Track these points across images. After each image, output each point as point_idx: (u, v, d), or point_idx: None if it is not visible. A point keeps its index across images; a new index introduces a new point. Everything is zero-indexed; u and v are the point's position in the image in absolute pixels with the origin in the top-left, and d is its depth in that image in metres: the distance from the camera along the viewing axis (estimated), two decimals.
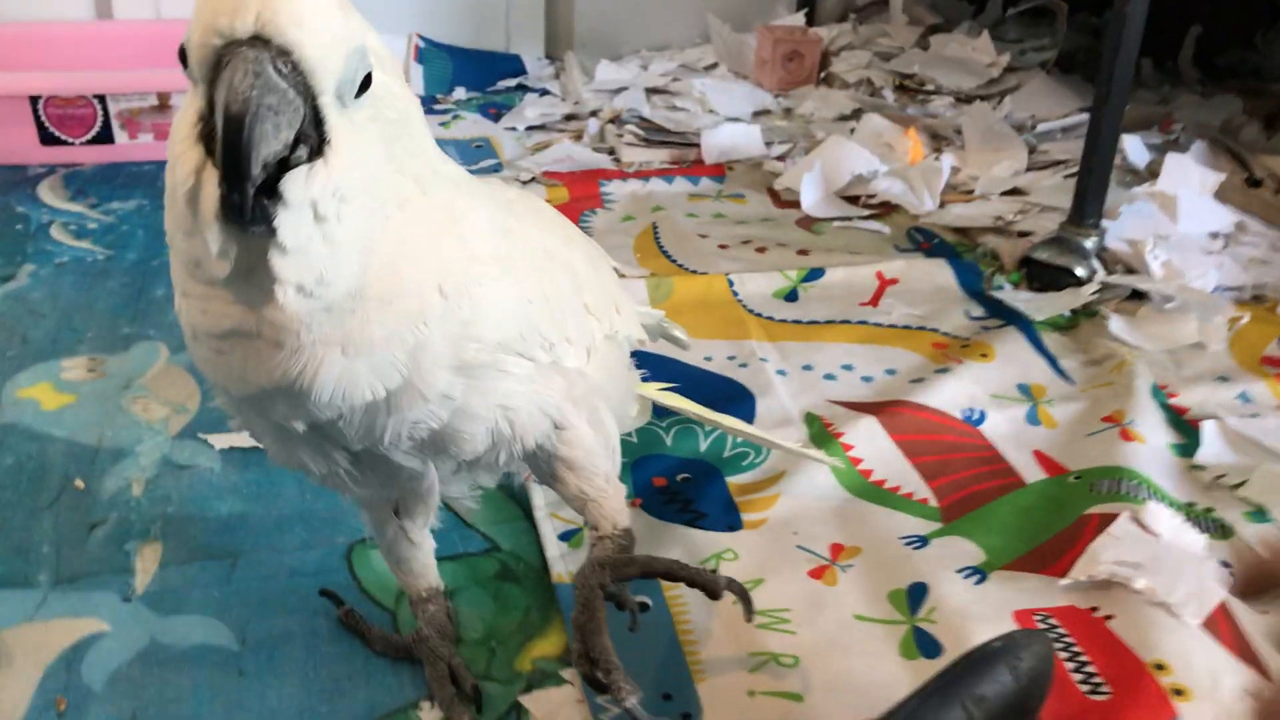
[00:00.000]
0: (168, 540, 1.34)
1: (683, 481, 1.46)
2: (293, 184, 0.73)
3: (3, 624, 1.21)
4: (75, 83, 2.38)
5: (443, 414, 0.91)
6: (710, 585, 1.05)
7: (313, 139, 0.74)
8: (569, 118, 2.80)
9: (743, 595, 1.06)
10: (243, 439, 1.49)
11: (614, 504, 1.08)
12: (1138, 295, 1.92)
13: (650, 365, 1.66)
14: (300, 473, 0.99)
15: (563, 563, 1.31)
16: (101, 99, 2.39)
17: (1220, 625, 1.21)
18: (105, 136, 2.43)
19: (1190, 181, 2.14)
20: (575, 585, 1.01)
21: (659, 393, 1.39)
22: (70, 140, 2.42)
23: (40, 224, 2.16)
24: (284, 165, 0.73)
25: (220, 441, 1.51)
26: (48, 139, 2.41)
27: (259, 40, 0.70)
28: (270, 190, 0.72)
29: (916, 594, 1.27)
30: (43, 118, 2.38)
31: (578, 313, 1.06)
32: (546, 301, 1.00)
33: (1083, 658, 1.17)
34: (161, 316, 1.83)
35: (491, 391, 0.94)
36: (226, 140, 0.69)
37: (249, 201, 0.71)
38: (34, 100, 2.36)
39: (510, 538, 1.36)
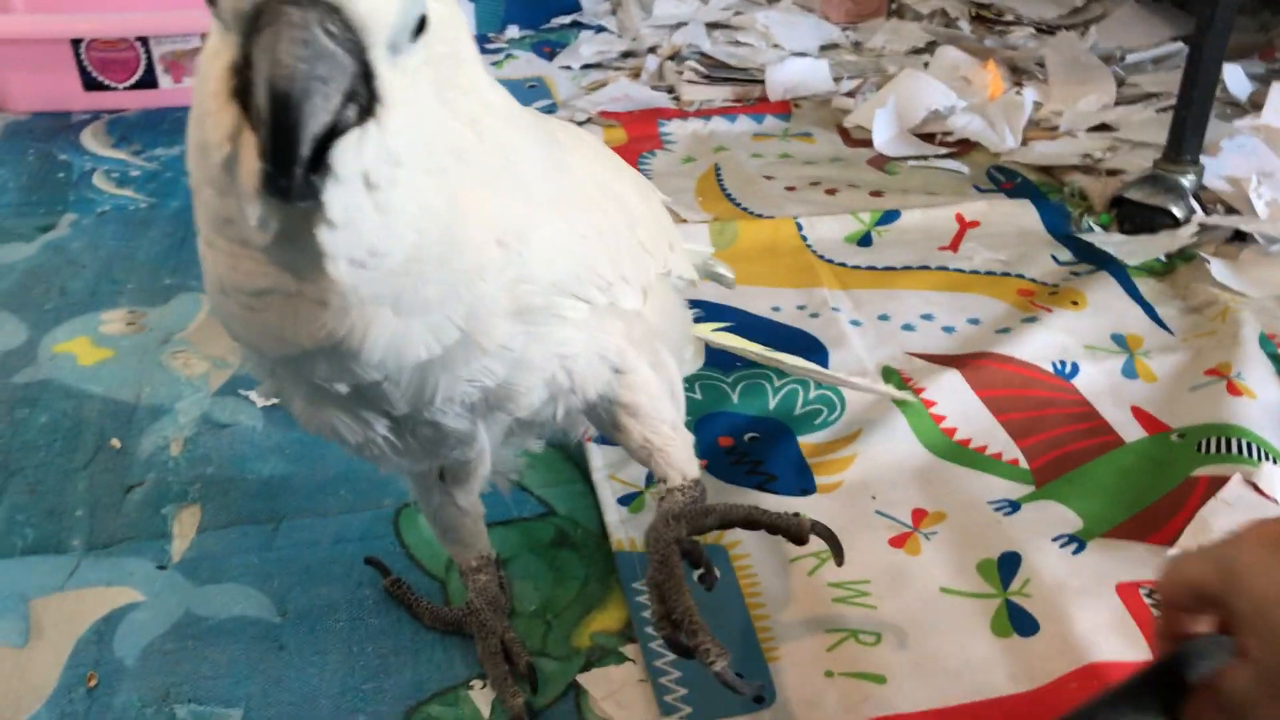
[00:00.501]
0: (206, 504, 1.28)
1: (751, 441, 1.37)
2: (343, 154, 0.63)
3: (34, 593, 1.15)
4: (117, 24, 2.30)
5: (499, 368, 0.82)
6: (795, 530, 0.95)
7: (362, 96, 0.64)
8: (626, 55, 2.68)
9: (831, 539, 0.96)
10: None
11: (682, 453, 0.98)
12: (1240, 237, 1.79)
13: (714, 315, 1.56)
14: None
15: (623, 529, 1.22)
16: (144, 41, 2.31)
17: None
18: (149, 81, 2.35)
19: None
20: (648, 541, 0.91)
21: (713, 333, 1.29)
22: (113, 85, 2.35)
23: (83, 172, 2.10)
24: (330, 129, 0.63)
25: (262, 399, 1.44)
26: (91, 84, 2.34)
27: None
28: (316, 158, 0.62)
29: (1008, 565, 1.17)
30: (85, 62, 2.31)
31: (633, 250, 0.97)
32: (601, 238, 0.90)
33: None
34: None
35: (548, 339, 0.85)
36: (273, 121, 0.60)
37: (297, 183, 0.61)
38: (75, 44, 2.28)
39: (566, 501, 1.28)
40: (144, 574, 1.18)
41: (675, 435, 0.98)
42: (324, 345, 0.72)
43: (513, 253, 0.78)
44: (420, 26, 0.66)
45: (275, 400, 1.40)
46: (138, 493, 1.29)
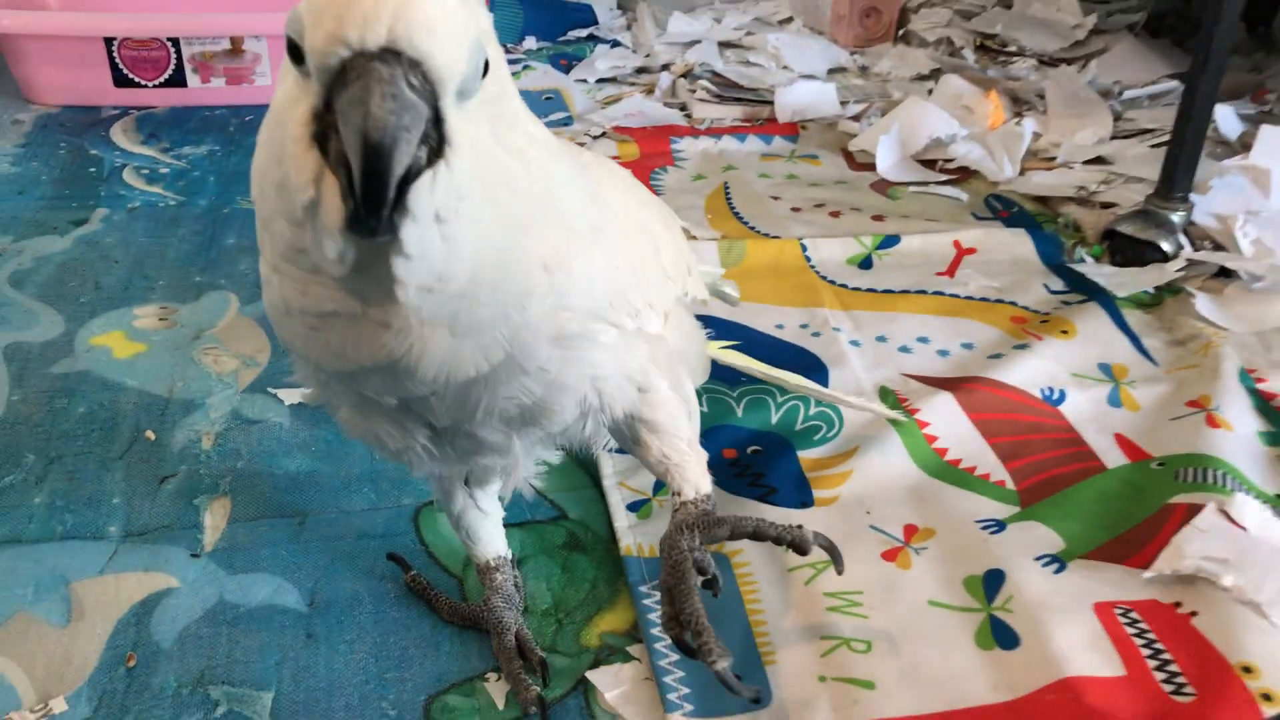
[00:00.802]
0: (237, 496, 1.35)
1: (753, 454, 1.44)
2: (419, 194, 0.69)
3: (74, 576, 1.22)
4: (149, 24, 2.37)
5: (537, 388, 0.89)
6: (799, 542, 1.01)
7: (433, 138, 0.70)
8: (640, 71, 2.76)
9: (832, 550, 1.03)
10: None
11: (696, 468, 1.05)
12: (1225, 273, 1.86)
13: (722, 331, 1.63)
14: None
15: (631, 534, 1.30)
16: (175, 42, 2.38)
17: None
18: (178, 80, 2.43)
19: None
20: (663, 548, 0.98)
21: (720, 350, 1.36)
22: (143, 83, 2.42)
23: (113, 167, 2.17)
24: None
25: (290, 397, 1.51)
26: (121, 81, 2.41)
27: (390, 53, 0.67)
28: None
29: (993, 581, 1.24)
30: (117, 59, 2.38)
31: (658, 276, 1.05)
32: (632, 267, 0.98)
33: (1165, 655, 1.14)
34: (232, 266, 1.83)
35: (582, 362, 0.92)
36: (367, 169, 0.66)
37: (384, 222, 0.68)
38: (109, 42, 2.35)
39: (578, 506, 1.35)
40: (179, 561, 1.25)
41: (691, 452, 1.05)
42: (382, 363, 0.79)
43: (556, 277, 0.85)
44: (483, 72, 0.73)
45: (303, 399, 1.48)
46: (171, 483, 1.36)
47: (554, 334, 0.87)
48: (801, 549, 1.01)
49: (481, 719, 1.08)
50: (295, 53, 0.70)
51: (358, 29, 0.66)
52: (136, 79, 2.40)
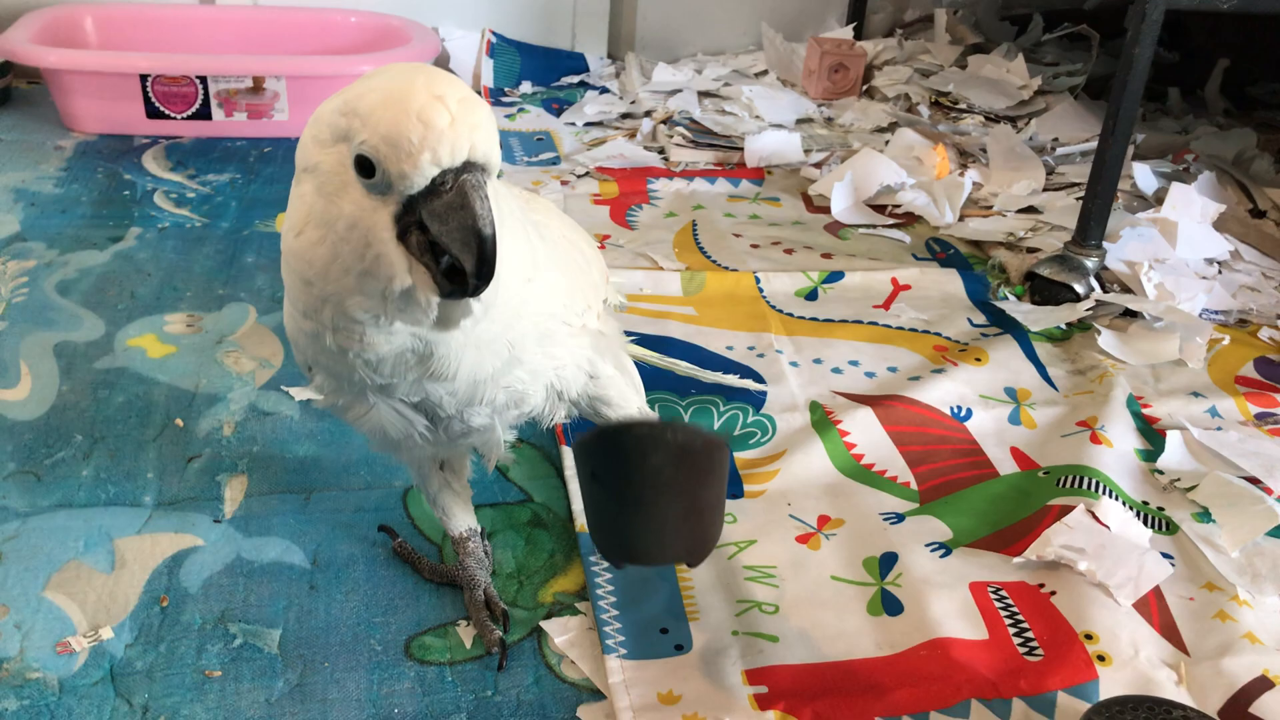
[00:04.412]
0: (253, 474, 1.58)
1: None
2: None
3: (117, 534, 1.45)
4: (180, 64, 2.62)
5: (526, 377, 1.14)
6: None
7: None
8: (625, 116, 2.99)
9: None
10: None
11: None
12: (1131, 314, 2.09)
13: (679, 350, 1.87)
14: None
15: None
16: (203, 79, 2.63)
17: (1151, 607, 1.41)
18: (204, 113, 2.68)
19: (1192, 210, 2.30)
20: None
21: (632, 347, 1.62)
22: (173, 115, 2.67)
23: (145, 191, 2.41)
24: None
25: (299, 394, 1.74)
26: (153, 113, 2.66)
27: (469, 164, 0.90)
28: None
29: (887, 562, 1.47)
30: (150, 93, 2.63)
31: (591, 285, 1.29)
32: (574, 279, 1.22)
33: (1024, 624, 1.37)
34: (251, 281, 2.07)
35: (551, 355, 1.17)
36: (481, 254, 0.89)
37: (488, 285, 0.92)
38: (143, 78, 2.60)
39: (543, 492, 1.58)
40: (204, 525, 1.48)
41: (639, 417, 1.31)
42: (420, 378, 1.04)
43: (534, 286, 1.10)
44: None
45: (310, 396, 1.72)
46: (197, 463, 1.59)
47: (537, 335, 1.12)
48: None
49: (452, 655, 1.30)
50: (367, 169, 0.91)
51: (449, 153, 0.89)
52: (167, 111, 2.66)
